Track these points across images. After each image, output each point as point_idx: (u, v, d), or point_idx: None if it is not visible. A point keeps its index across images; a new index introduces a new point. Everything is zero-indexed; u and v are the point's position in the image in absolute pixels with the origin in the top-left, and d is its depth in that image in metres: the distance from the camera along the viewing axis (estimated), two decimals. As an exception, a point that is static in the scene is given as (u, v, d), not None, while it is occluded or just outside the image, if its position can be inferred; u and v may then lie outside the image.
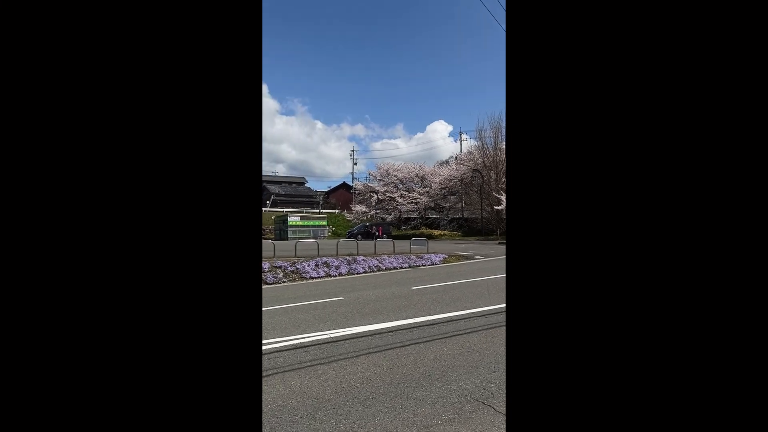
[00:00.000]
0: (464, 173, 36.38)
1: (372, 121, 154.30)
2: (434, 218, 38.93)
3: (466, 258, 14.49)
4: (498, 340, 4.35)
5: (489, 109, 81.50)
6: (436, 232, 32.52)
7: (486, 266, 12.02)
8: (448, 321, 5.32)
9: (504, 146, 29.97)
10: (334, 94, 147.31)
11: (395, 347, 4.19)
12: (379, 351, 4.07)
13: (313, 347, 4.26)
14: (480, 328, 4.87)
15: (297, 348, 4.25)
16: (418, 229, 35.15)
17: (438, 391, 3.04)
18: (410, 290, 8.04)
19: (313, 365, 3.69)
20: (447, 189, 38.90)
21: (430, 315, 5.67)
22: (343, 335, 4.71)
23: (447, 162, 44.94)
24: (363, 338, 4.58)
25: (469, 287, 8.17)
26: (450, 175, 38.34)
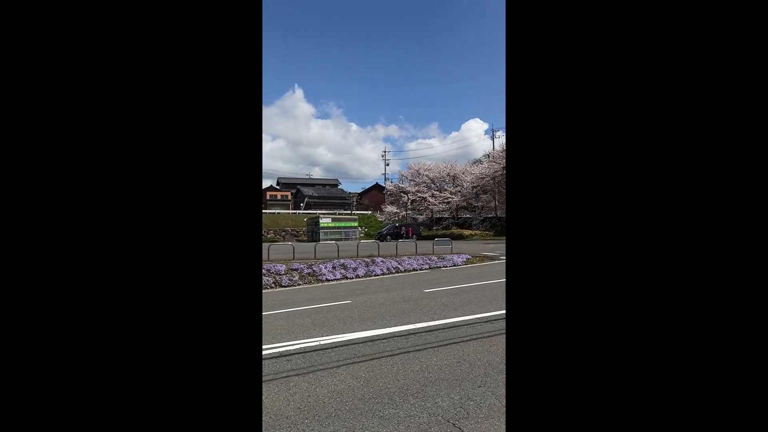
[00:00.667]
0: (497, 171, 35.13)
1: (406, 121, 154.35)
2: (466, 218, 38.06)
3: (491, 258, 13.94)
4: (495, 349, 4.01)
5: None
6: (467, 232, 31.64)
7: (510, 267, 11.47)
8: (449, 327, 5.01)
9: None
10: (368, 96, 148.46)
11: (382, 356, 3.94)
12: (362, 361, 3.83)
13: (296, 356, 4.08)
14: (480, 336, 4.53)
15: (280, 357, 4.07)
16: (450, 229, 34.33)
17: (409, 409, 2.77)
18: (422, 293, 7.74)
19: (288, 376, 3.50)
20: (479, 188, 37.88)
21: (432, 320, 5.38)
22: (333, 342, 4.50)
23: (480, 161, 43.84)
24: (352, 346, 4.35)
25: (484, 290, 7.78)
26: (482, 174, 37.23)
